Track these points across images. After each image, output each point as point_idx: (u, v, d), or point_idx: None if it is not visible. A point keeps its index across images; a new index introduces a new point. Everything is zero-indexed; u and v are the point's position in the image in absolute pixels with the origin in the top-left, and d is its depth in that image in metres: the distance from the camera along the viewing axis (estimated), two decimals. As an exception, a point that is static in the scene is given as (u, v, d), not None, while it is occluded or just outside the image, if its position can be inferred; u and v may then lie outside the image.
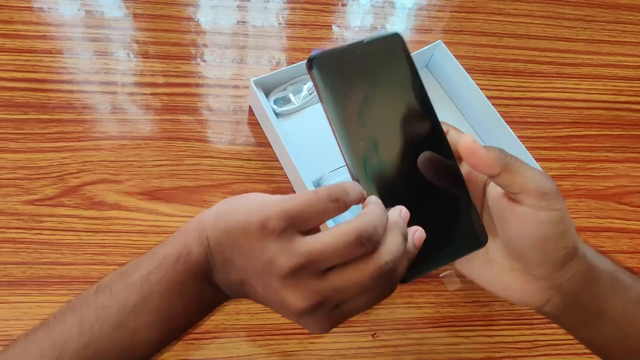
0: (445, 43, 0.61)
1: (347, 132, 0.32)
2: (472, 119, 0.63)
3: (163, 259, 0.29)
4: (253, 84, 0.53)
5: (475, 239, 0.33)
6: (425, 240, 0.31)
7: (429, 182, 0.32)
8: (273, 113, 0.56)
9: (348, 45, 0.33)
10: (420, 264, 0.31)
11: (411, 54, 0.34)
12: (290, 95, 0.56)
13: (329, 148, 0.53)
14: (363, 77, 0.33)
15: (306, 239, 0.27)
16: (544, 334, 0.52)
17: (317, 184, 0.53)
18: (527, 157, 0.55)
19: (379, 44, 0.34)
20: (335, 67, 0.32)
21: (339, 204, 0.28)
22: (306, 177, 0.51)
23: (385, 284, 0.28)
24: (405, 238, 0.29)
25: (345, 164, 0.32)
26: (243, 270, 0.28)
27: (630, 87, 0.71)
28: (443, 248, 0.32)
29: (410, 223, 0.30)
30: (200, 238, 0.29)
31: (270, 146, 0.58)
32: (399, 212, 0.30)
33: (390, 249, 0.27)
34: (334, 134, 0.33)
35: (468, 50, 0.69)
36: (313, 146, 0.54)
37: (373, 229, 0.27)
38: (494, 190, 0.32)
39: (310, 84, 0.57)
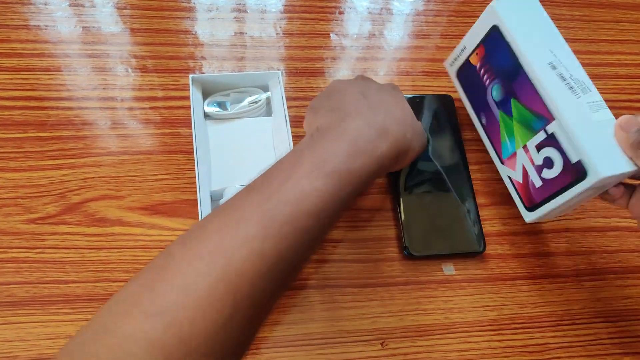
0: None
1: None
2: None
3: None
4: (190, 80, 0.53)
5: (476, 244, 0.53)
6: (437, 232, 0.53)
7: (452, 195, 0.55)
8: (201, 112, 0.55)
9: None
10: (429, 249, 0.52)
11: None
12: (227, 103, 0.55)
13: (248, 162, 0.53)
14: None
15: None
16: (554, 337, 0.52)
17: (219, 194, 0.51)
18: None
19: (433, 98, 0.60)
20: None
21: None
22: (205, 182, 0.49)
23: None
24: None
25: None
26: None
27: (632, 85, 0.70)
28: (449, 241, 0.53)
29: (427, 219, 0.54)
30: None
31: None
32: None
33: None
34: None
35: (466, 53, 0.69)
36: (232, 156, 0.53)
37: None
38: None
39: (255, 96, 0.56)
